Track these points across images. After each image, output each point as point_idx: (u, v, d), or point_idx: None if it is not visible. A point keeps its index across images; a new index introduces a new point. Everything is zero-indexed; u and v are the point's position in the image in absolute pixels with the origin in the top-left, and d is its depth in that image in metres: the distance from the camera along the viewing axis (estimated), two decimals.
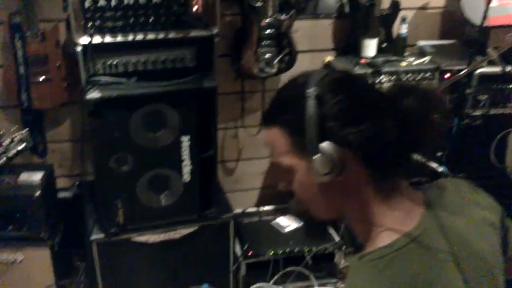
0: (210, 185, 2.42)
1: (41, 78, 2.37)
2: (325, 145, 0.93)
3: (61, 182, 2.68)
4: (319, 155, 0.93)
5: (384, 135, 0.94)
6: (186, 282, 2.48)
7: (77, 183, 2.73)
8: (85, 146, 2.44)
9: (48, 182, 2.46)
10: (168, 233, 2.42)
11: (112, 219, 2.32)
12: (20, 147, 1.59)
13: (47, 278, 2.52)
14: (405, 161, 0.98)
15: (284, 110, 1.00)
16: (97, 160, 2.24)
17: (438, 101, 1.00)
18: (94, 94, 2.06)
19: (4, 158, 1.58)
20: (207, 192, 2.43)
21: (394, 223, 0.96)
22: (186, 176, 2.34)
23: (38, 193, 2.32)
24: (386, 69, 2.56)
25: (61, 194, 2.66)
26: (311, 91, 0.94)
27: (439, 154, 2.61)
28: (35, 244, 2.43)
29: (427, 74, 2.60)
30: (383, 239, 0.95)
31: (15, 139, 1.59)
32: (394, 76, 2.58)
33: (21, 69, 2.35)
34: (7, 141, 1.57)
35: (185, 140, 2.27)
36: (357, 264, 0.96)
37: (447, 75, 2.57)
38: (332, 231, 2.74)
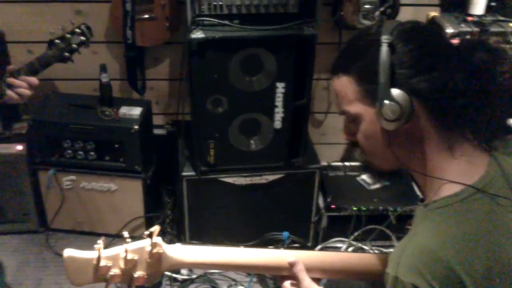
0: (299, 134, 2.43)
1: (146, 16, 2.45)
2: (395, 91, 0.94)
3: (156, 119, 2.79)
4: (389, 101, 0.94)
5: (452, 85, 0.95)
6: (267, 227, 2.54)
7: (169, 121, 2.83)
8: (182, 86, 2.50)
9: (146, 117, 2.57)
10: (255, 177, 2.47)
11: (203, 158, 2.39)
12: (82, 38, 1.63)
13: (137, 209, 2.67)
14: (475, 116, 0.98)
15: (355, 58, 1.03)
16: (194, 100, 2.30)
17: (508, 58, 0.99)
18: (198, 34, 2.10)
19: (67, 51, 1.63)
20: (296, 141, 2.44)
21: (458, 174, 0.97)
22: (278, 123, 2.36)
23: (136, 127, 2.44)
24: (493, 29, 2.45)
25: (156, 131, 2.77)
26: (385, 38, 0.96)
27: None
28: (129, 176, 2.58)
29: None
30: (448, 189, 0.97)
31: (76, 30, 1.63)
32: (501, 37, 2.45)
33: (128, 6, 2.42)
34: (68, 35, 1.61)
35: (280, 87, 2.28)
36: (423, 212, 0.99)
37: None
38: (419, 192, 2.70)
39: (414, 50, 0.97)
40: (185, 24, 2.24)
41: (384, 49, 0.95)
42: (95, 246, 1.01)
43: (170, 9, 2.48)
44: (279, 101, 2.31)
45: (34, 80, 1.57)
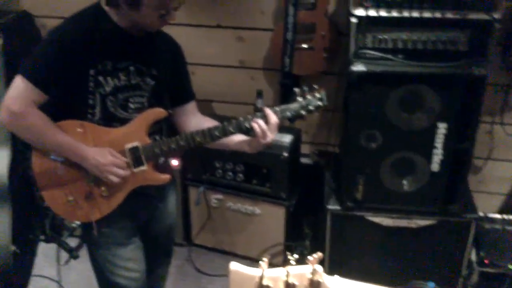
0: (458, 179, 2.25)
1: (305, 46, 2.47)
2: None
3: (302, 148, 2.77)
4: None
5: None
6: (411, 274, 2.38)
7: (315, 151, 2.80)
8: (334, 117, 2.47)
9: (295, 146, 2.57)
10: (404, 220, 2.34)
11: (351, 194, 2.32)
12: (319, 103, 1.65)
13: (277, 235, 2.67)
14: None
15: None
16: (348, 132, 2.25)
17: None
18: (359, 67, 2.06)
19: (304, 111, 1.65)
20: (454, 187, 2.27)
21: None
22: (435, 165, 2.21)
23: (286, 154, 2.44)
24: None
25: (302, 160, 2.76)
26: None
27: None
28: (274, 202, 2.60)
29: None
30: None
31: (316, 95, 1.65)
32: None
33: (289, 35, 2.46)
34: (309, 96, 1.64)
35: (442, 127, 2.14)
36: None
37: None
38: None
39: None
40: (343, 55, 2.21)
41: None
42: (260, 263, 1.01)
43: (330, 40, 2.47)
44: (439, 142, 2.17)
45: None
